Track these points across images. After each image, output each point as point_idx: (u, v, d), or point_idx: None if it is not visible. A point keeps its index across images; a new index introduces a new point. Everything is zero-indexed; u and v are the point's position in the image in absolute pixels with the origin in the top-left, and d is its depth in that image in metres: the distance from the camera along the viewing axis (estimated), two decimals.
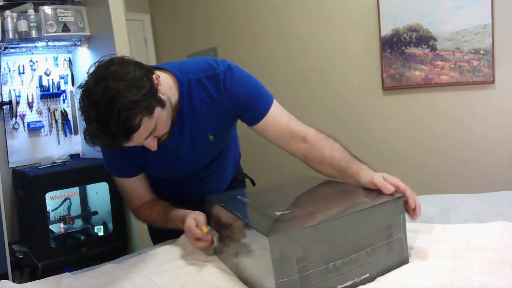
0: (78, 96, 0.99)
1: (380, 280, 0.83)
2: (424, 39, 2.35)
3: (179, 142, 1.19)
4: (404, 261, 0.91)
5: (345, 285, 0.83)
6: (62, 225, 2.39)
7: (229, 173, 1.42)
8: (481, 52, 2.19)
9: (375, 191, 0.97)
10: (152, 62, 3.92)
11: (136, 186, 1.27)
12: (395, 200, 0.92)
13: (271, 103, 1.20)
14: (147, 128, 1.00)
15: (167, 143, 1.16)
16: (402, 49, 2.43)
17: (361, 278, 0.85)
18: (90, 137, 0.97)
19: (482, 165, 2.29)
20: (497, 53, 2.15)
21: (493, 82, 2.19)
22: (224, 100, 1.16)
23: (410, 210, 0.95)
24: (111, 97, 0.92)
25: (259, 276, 0.84)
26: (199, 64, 1.17)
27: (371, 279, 0.86)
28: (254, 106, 1.18)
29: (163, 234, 1.30)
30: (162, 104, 1.02)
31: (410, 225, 1.09)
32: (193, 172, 1.29)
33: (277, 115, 1.20)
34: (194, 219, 1.10)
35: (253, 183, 1.55)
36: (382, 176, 0.97)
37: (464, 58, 2.24)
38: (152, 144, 1.05)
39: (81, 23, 2.44)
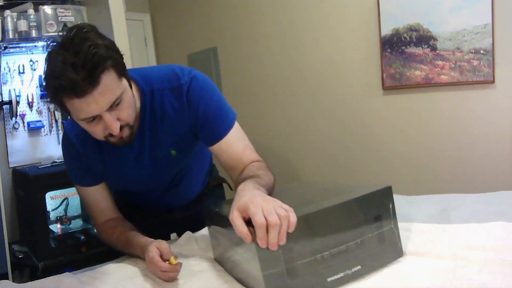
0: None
1: (378, 280, 0.83)
2: (424, 39, 2.35)
3: (138, 156, 1.13)
4: (399, 254, 0.90)
5: (336, 277, 0.82)
6: (59, 225, 2.39)
7: (198, 181, 1.34)
8: (481, 52, 2.19)
9: (364, 185, 0.96)
10: (152, 62, 3.92)
11: (98, 198, 1.19)
12: (383, 190, 0.91)
13: (231, 126, 1.11)
14: (112, 87, 0.92)
15: (127, 154, 1.12)
16: (402, 48, 2.43)
17: (353, 271, 0.83)
18: (50, 83, 0.91)
19: (482, 165, 2.29)
20: (497, 53, 2.15)
21: (493, 82, 2.19)
22: (185, 113, 1.08)
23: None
24: (83, 38, 0.89)
25: (249, 270, 0.83)
26: (163, 73, 1.10)
27: (364, 272, 0.84)
28: (212, 126, 1.09)
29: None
30: (129, 83, 1.00)
31: (409, 225, 1.09)
32: (154, 187, 1.23)
33: (233, 142, 1.10)
34: (158, 249, 0.98)
35: (231, 188, 1.32)
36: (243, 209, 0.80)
37: (464, 58, 2.24)
38: (114, 126, 0.96)
39: (81, 23, 2.44)
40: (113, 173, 1.16)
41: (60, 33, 0.93)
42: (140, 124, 1.09)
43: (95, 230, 1.26)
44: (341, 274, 0.82)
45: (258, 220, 0.74)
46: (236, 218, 0.77)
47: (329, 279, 0.81)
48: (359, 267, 0.84)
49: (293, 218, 0.75)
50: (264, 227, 0.74)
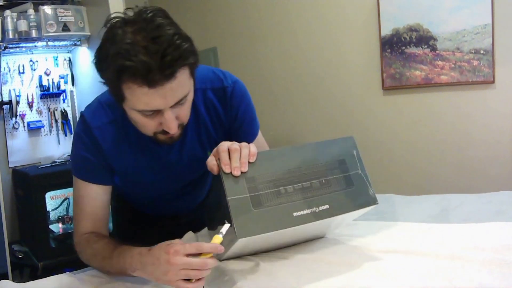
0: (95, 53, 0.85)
1: (377, 279, 0.83)
2: (424, 39, 2.35)
3: (177, 156, 1.07)
4: (372, 200, 0.92)
5: (302, 213, 0.85)
6: (60, 225, 2.39)
7: (207, 187, 1.29)
8: (481, 52, 2.19)
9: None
10: None
11: (98, 202, 1.04)
12: (345, 138, 0.96)
13: (257, 133, 1.15)
14: (184, 85, 0.86)
15: (165, 152, 1.05)
16: (402, 49, 2.43)
17: (320, 209, 0.87)
18: (115, 61, 0.80)
19: (482, 165, 2.29)
20: (497, 53, 2.15)
21: (493, 82, 2.19)
22: (227, 115, 1.08)
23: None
24: (164, 24, 0.82)
25: (220, 200, 0.87)
26: (204, 73, 1.05)
27: (333, 212, 0.88)
28: (245, 131, 1.11)
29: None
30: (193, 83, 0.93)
31: (408, 224, 1.10)
32: (173, 189, 1.17)
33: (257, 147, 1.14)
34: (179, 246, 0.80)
35: None
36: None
37: (464, 58, 2.24)
38: (173, 124, 0.89)
39: (81, 23, 2.44)
40: (138, 172, 1.07)
41: (128, 11, 0.85)
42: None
43: (74, 240, 1.07)
44: (307, 211, 0.86)
45: (221, 147, 0.87)
46: (209, 157, 0.88)
47: (295, 214, 0.85)
48: (326, 206, 0.88)
49: (254, 148, 0.88)
50: (226, 152, 0.86)
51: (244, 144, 0.88)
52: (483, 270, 0.80)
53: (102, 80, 0.89)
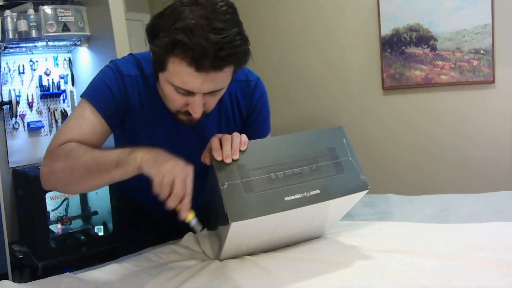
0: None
1: (375, 279, 0.83)
2: (424, 39, 2.35)
3: (196, 135, 1.08)
4: (363, 186, 0.93)
5: (293, 197, 0.87)
6: (59, 225, 2.39)
7: None
8: (481, 52, 2.19)
9: None
10: None
11: (95, 130, 0.97)
12: (335, 128, 0.98)
13: (268, 133, 1.20)
14: (225, 80, 0.91)
15: (186, 127, 1.05)
16: (402, 49, 2.43)
17: (311, 194, 0.88)
18: (173, 34, 0.82)
19: (482, 165, 2.29)
20: (497, 53, 2.15)
21: (493, 82, 2.19)
22: (247, 107, 1.13)
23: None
24: (231, 19, 0.86)
25: (214, 191, 0.90)
26: None
27: (324, 197, 0.89)
28: (259, 127, 1.16)
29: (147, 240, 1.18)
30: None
31: (408, 224, 1.10)
32: None
33: None
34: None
35: None
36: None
37: (464, 58, 2.24)
38: (199, 110, 0.92)
39: (81, 23, 2.44)
40: (152, 135, 1.07)
41: None
42: None
43: (49, 147, 0.95)
44: (298, 195, 0.87)
45: (213, 137, 0.91)
46: (203, 153, 0.91)
47: (286, 198, 0.86)
48: (317, 191, 0.89)
49: (245, 137, 0.91)
50: (218, 141, 0.90)
51: (235, 133, 0.91)
52: (483, 270, 0.80)
53: (150, 46, 0.91)
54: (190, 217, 0.87)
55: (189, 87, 0.89)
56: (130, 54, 1.08)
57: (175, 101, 0.94)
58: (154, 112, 1.05)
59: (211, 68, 0.85)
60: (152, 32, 0.89)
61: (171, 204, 0.83)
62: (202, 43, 0.81)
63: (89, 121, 0.97)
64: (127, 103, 1.02)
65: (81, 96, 1.01)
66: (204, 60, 0.83)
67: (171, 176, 0.83)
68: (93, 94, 0.99)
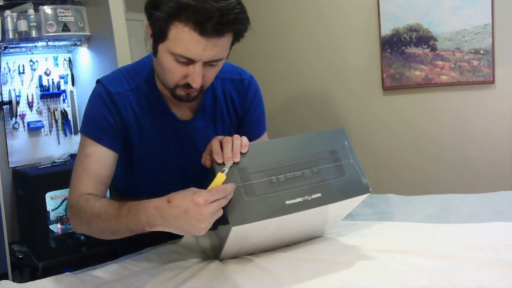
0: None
1: (377, 280, 0.83)
2: (424, 39, 2.35)
3: (193, 134, 1.10)
4: (365, 189, 0.92)
5: (294, 201, 0.86)
6: (59, 225, 2.39)
7: None
8: (481, 52, 2.19)
9: None
10: None
11: (103, 164, 1.00)
12: (336, 129, 0.98)
13: (264, 131, 1.21)
14: (225, 47, 0.93)
15: (181, 124, 1.08)
16: (402, 49, 2.43)
17: (312, 197, 0.87)
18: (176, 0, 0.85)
19: (482, 165, 2.29)
20: (497, 53, 2.15)
21: (493, 82, 2.19)
22: (242, 106, 1.15)
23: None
24: None
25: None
26: (224, 66, 1.09)
27: (325, 200, 0.88)
28: (254, 125, 1.17)
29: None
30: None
31: (408, 224, 1.10)
32: (175, 175, 1.14)
33: None
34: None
35: None
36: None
37: (464, 58, 2.24)
38: (199, 79, 0.92)
39: (81, 23, 2.44)
40: (151, 141, 1.08)
41: None
42: (202, 104, 1.10)
43: (70, 201, 0.99)
44: (299, 199, 0.87)
45: (213, 140, 0.91)
46: (203, 156, 0.91)
47: (287, 202, 0.86)
48: (318, 194, 0.88)
49: (246, 140, 0.90)
50: (218, 143, 0.89)
51: (236, 136, 0.91)
52: (482, 270, 0.80)
53: (149, 18, 0.92)
54: None
55: (191, 54, 0.89)
56: (117, 70, 1.10)
57: (175, 72, 0.94)
58: (149, 120, 1.07)
59: (213, 33, 0.86)
60: (153, 3, 0.90)
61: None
62: (207, 6, 0.83)
63: (93, 159, 1.00)
64: (123, 123, 1.05)
65: (80, 132, 1.06)
66: (208, 23, 0.85)
67: (204, 228, 0.80)
68: (88, 127, 1.03)
